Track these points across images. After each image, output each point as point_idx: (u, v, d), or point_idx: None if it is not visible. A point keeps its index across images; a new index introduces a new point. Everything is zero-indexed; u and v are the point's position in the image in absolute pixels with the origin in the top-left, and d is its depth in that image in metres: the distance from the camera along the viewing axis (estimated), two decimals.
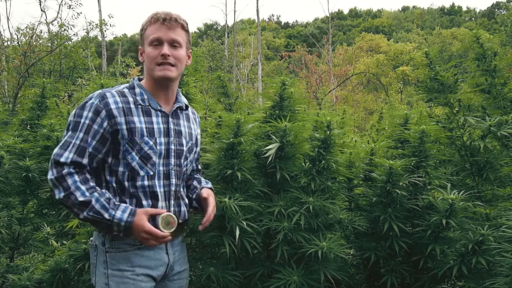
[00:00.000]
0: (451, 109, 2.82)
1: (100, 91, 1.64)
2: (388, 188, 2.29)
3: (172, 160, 1.68)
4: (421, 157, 2.38)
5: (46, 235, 2.98)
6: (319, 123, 2.28)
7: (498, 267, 1.96)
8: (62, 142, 1.57)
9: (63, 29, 12.27)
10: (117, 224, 1.53)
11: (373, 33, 41.80)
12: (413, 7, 68.27)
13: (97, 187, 1.56)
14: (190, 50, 1.79)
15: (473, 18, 57.25)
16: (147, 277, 1.61)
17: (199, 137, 1.90)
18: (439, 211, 2.18)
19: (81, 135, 1.56)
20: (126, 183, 1.60)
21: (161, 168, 1.65)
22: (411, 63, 27.50)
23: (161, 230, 1.58)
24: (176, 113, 1.75)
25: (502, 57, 2.91)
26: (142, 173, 1.61)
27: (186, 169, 1.78)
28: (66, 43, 12.00)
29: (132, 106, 1.63)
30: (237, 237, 1.96)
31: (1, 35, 13.55)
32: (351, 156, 2.59)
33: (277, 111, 2.39)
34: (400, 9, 70.52)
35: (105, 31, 15.69)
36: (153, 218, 1.60)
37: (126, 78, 12.53)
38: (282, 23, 66.05)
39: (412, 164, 2.38)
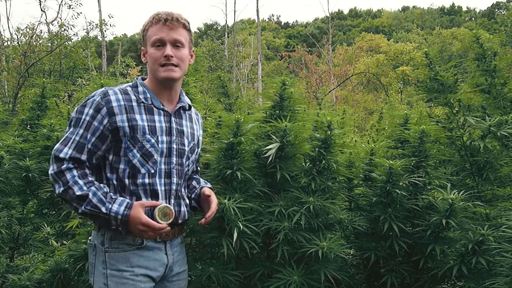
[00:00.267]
0: (451, 109, 2.82)
1: (103, 88, 1.65)
2: (388, 188, 2.29)
3: (174, 159, 1.69)
4: (421, 157, 2.38)
5: (46, 235, 2.98)
6: (319, 123, 2.28)
7: (498, 267, 1.96)
8: (63, 138, 1.60)
9: (63, 29, 12.27)
10: (114, 218, 1.53)
11: (373, 33, 41.79)
12: (413, 7, 68.28)
13: (95, 182, 1.57)
14: (193, 49, 1.80)
15: (473, 18, 57.25)
16: (146, 278, 1.61)
17: (201, 138, 1.90)
18: (439, 211, 2.18)
19: (81, 131, 1.58)
20: (126, 180, 1.60)
21: (162, 166, 1.65)
22: (411, 63, 27.50)
23: (158, 222, 1.57)
24: (179, 112, 1.76)
25: (502, 57, 2.91)
26: (143, 170, 1.61)
27: (188, 169, 1.78)
28: (66, 43, 12.00)
29: (134, 104, 1.64)
30: (234, 239, 1.96)
31: (1, 35, 13.56)
32: (351, 156, 2.59)
33: (277, 111, 2.39)
34: (400, 9, 70.54)
35: (105, 31, 15.71)
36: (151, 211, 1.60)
37: (126, 78, 12.52)
38: (282, 23, 66.06)
39: (412, 164, 2.38)
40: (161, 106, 1.69)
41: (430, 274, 2.30)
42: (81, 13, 23.36)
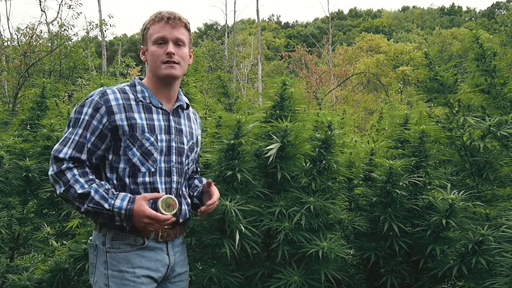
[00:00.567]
0: (451, 109, 2.82)
1: (101, 88, 1.65)
2: (388, 188, 2.29)
3: (174, 158, 1.69)
4: (421, 157, 2.38)
5: (46, 235, 2.98)
6: (319, 123, 2.29)
7: (498, 267, 1.96)
8: (62, 138, 1.60)
9: (63, 29, 12.26)
10: (118, 213, 1.52)
11: (373, 33, 41.80)
12: (413, 7, 68.23)
13: (96, 179, 1.56)
14: (192, 50, 1.81)
15: (473, 18, 57.22)
16: (147, 279, 1.60)
17: (199, 137, 1.90)
18: (439, 211, 2.18)
19: (80, 131, 1.58)
20: (127, 179, 1.60)
21: (162, 165, 1.65)
22: (411, 63, 27.50)
23: (162, 213, 1.56)
24: (177, 111, 1.76)
25: (502, 57, 2.91)
26: (143, 169, 1.61)
27: (188, 168, 1.78)
28: (66, 43, 12.00)
29: (132, 102, 1.64)
30: (236, 242, 1.96)
31: (1, 35, 13.55)
32: (351, 156, 2.59)
33: (278, 111, 2.39)
34: (400, 9, 70.51)
35: (105, 31, 15.68)
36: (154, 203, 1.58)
37: (126, 78, 12.52)
38: (282, 23, 66.03)
39: (412, 164, 2.38)
40: (160, 105, 1.69)
41: (430, 274, 2.30)
42: (81, 13, 23.37)
